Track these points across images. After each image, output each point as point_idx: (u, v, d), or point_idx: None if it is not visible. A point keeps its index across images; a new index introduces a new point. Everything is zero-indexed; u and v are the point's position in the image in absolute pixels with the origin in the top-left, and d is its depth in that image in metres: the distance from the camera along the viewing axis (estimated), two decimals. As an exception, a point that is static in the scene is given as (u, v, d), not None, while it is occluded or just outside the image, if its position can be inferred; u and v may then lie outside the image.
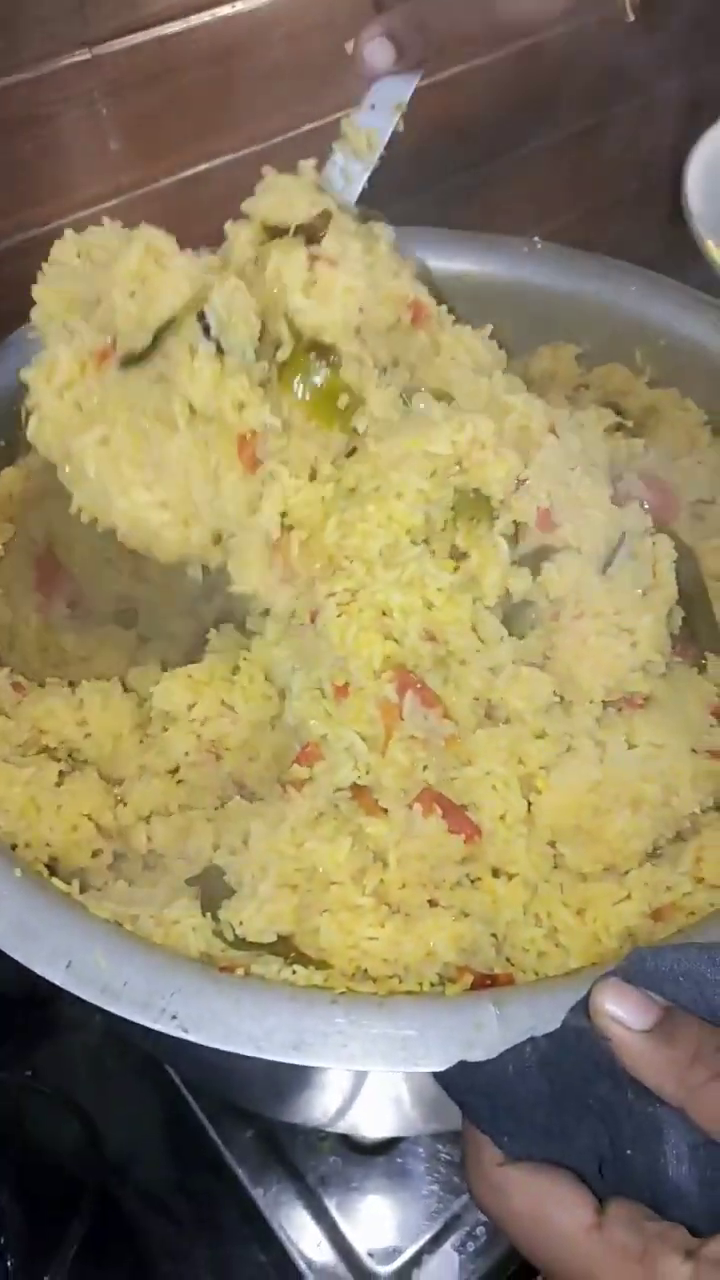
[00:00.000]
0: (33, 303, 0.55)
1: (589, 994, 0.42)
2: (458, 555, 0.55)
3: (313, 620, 0.55)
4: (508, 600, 0.56)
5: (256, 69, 0.86)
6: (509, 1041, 0.42)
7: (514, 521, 0.56)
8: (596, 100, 1.18)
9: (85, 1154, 0.72)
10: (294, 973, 0.47)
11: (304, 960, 0.48)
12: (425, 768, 0.52)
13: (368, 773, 0.53)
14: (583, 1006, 0.42)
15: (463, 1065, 0.42)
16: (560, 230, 1.22)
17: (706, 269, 0.86)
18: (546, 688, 0.53)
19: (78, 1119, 0.74)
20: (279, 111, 0.91)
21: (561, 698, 0.55)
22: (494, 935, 0.50)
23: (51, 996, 0.87)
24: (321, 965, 0.48)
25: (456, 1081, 0.43)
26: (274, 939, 0.49)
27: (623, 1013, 0.41)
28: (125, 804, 0.59)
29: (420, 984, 0.48)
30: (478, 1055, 0.42)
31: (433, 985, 0.48)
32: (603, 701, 0.55)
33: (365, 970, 0.49)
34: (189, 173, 0.88)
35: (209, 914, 0.50)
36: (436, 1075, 0.43)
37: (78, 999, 0.44)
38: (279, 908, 0.49)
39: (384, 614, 0.53)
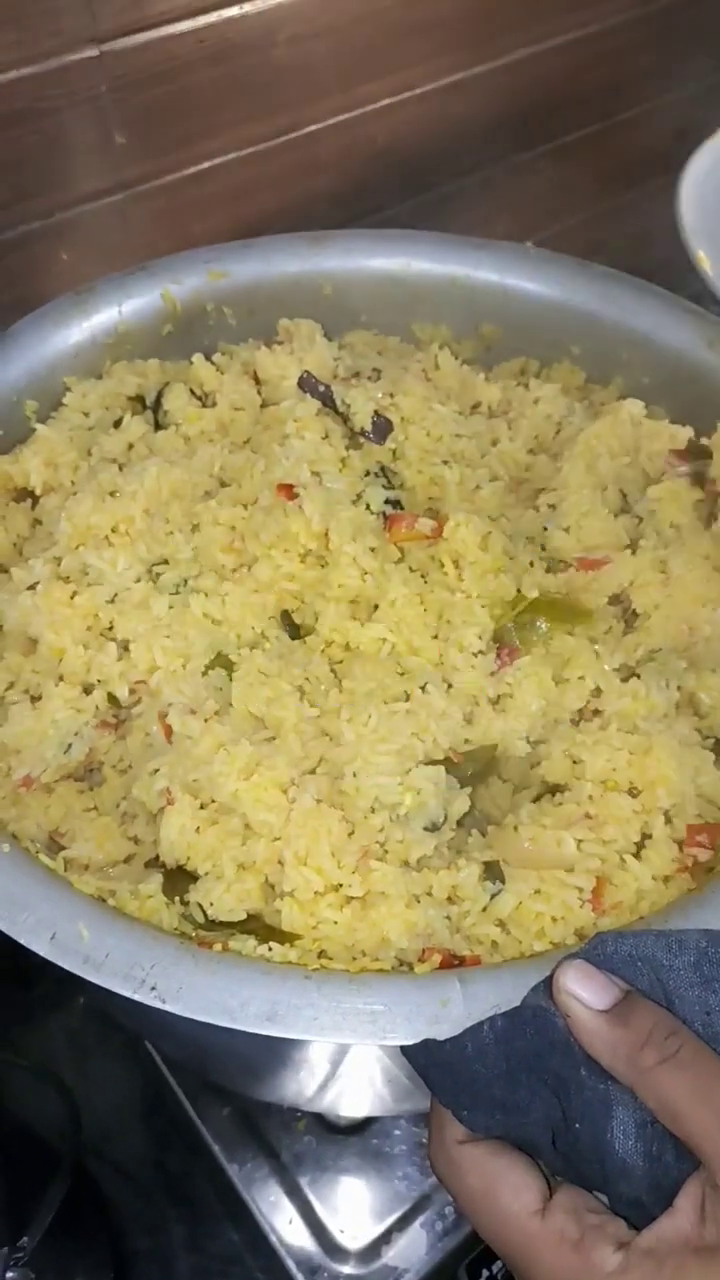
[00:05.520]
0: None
1: (552, 973, 0.44)
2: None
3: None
4: None
5: (261, 70, 0.88)
6: (474, 1018, 0.44)
7: None
8: (596, 109, 1.19)
9: (64, 1128, 0.73)
10: (270, 949, 0.48)
11: (277, 937, 0.50)
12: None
13: None
14: (543, 986, 0.44)
15: (426, 1043, 0.44)
16: (554, 239, 1.24)
17: (700, 280, 0.87)
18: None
19: (58, 1094, 0.76)
20: (282, 112, 0.92)
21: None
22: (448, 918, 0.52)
23: (34, 978, 0.89)
24: (293, 939, 0.50)
25: (420, 1057, 0.45)
26: (244, 916, 0.51)
27: (584, 993, 0.43)
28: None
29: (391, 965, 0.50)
30: (443, 1030, 0.44)
31: (400, 964, 0.50)
32: None
33: (324, 951, 0.50)
34: (191, 170, 0.89)
35: (177, 898, 0.52)
36: (403, 1050, 0.45)
37: (59, 978, 0.46)
38: (246, 886, 0.51)
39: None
